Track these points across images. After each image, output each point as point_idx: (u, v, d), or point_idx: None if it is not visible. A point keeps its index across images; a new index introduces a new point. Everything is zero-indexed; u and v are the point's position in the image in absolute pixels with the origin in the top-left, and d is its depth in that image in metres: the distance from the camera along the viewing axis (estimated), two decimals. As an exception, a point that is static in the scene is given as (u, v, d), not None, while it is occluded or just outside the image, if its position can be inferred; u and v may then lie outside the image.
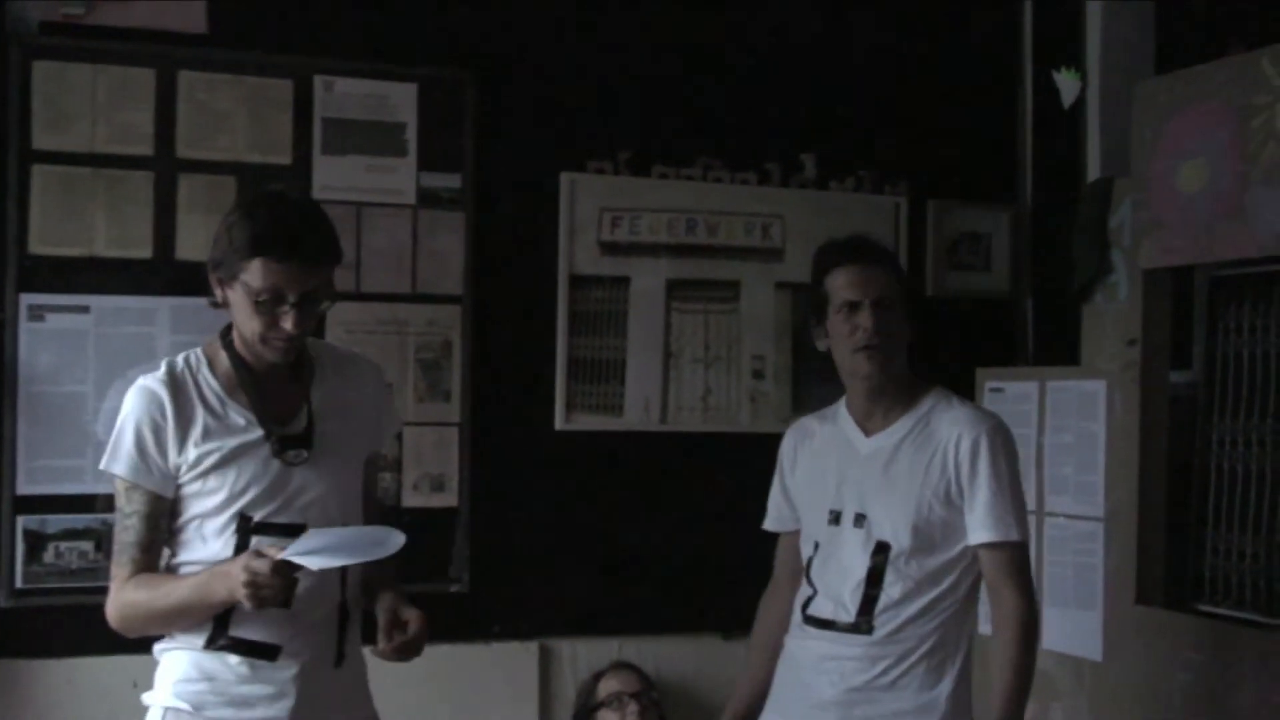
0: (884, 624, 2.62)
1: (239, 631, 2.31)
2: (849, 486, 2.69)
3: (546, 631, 3.69)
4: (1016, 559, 2.61)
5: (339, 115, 3.54)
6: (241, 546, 2.32)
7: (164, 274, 3.39)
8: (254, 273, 2.26)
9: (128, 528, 2.32)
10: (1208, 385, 3.33)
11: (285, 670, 2.33)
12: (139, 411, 2.32)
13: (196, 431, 2.32)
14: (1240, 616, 3.13)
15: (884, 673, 2.62)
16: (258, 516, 2.33)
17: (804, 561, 2.76)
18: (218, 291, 2.35)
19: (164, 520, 2.34)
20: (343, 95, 3.54)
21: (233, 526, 2.33)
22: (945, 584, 2.63)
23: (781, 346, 3.88)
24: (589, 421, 3.75)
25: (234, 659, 2.32)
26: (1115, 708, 3.29)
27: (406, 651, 2.35)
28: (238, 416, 2.35)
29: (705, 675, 3.74)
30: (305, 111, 3.51)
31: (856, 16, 4.00)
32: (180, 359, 2.39)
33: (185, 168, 3.41)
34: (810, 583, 2.73)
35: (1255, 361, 3.23)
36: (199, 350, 2.41)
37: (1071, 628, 3.42)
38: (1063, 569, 3.46)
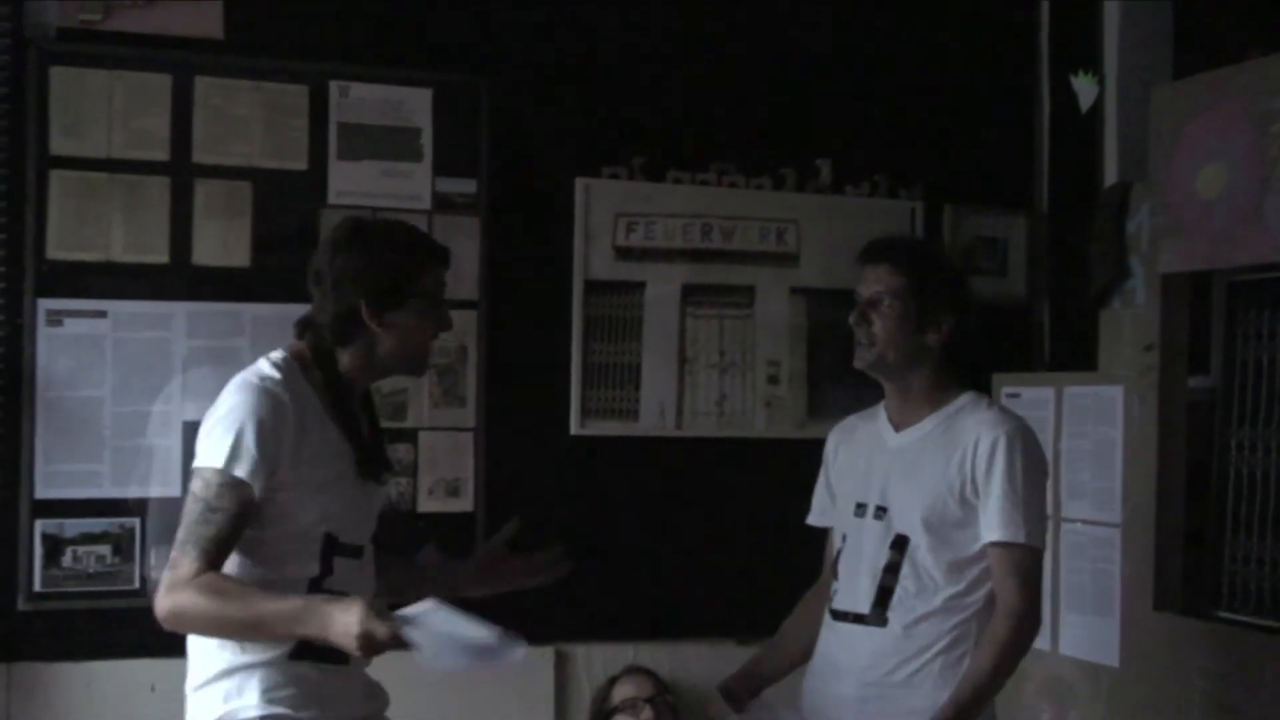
0: (899, 618, 2.64)
1: (319, 642, 2.31)
2: (875, 480, 2.73)
3: (562, 636, 3.69)
4: (1024, 562, 2.61)
5: (354, 120, 3.54)
6: (325, 566, 2.34)
7: (180, 279, 3.40)
8: (434, 279, 2.42)
9: (211, 522, 2.23)
10: (1226, 391, 3.32)
11: (353, 670, 2.40)
12: (263, 412, 2.26)
13: (309, 449, 2.31)
14: (1259, 623, 3.11)
15: (898, 668, 2.63)
16: (341, 538, 2.36)
17: (834, 554, 2.79)
18: (372, 323, 2.36)
19: (245, 522, 2.27)
20: (358, 100, 3.55)
21: (319, 545, 2.34)
22: (963, 583, 2.63)
23: (797, 351, 3.87)
24: (604, 427, 3.74)
25: (314, 665, 2.34)
26: (1133, 715, 3.28)
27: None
28: (335, 436, 2.37)
29: (720, 680, 3.73)
30: (321, 117, 3.52)
31: (872, 21, 3.99)
32: (282, 367, 2.35)
33: (201, 173, 3.42)
34: (837, 575, 2.76)
35: (1274, 367, 3.21)
36: (284, 358, 2.38)
37: (1089, 634, 3.40)
38: (1080, 575, 3.44)
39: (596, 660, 3.70)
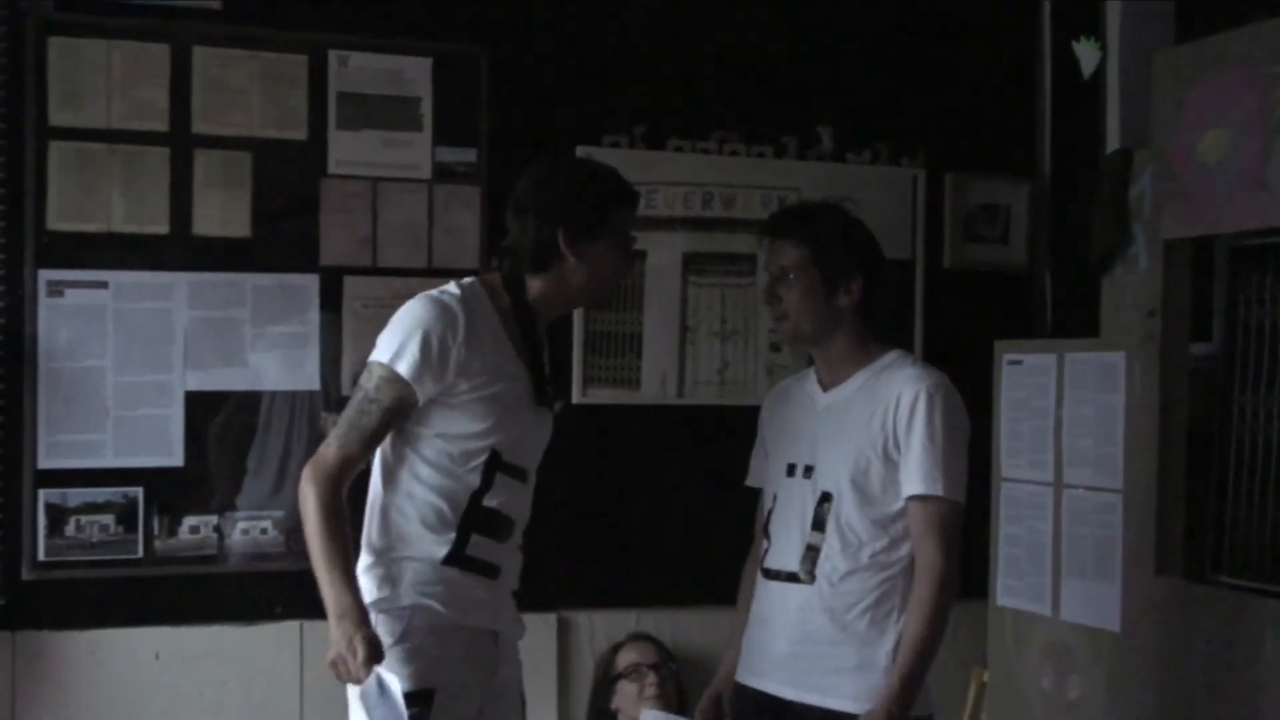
0: (825, 575, 2.69)
1: (473, 552, 2.47)
2: (804, 440, 2.78)
3: (564, 604, 3.71)
4: (942, 515, 2.65)
5: (354, 90, 3.54)
6: (487, 479, 2.48)
7: (181, 249, 3.41)
8: (624, 219, 2.58)
9: (367, 412, 2.41)
10: (1228, 357, 3.31)
11: (503, 587, 2.56)
12: (433, 320, 2.42)
13: (481, 360, 2.44)
14: (1260, 588, 3.12)
15: (826, 625, 2.68)
16: (505, 456, 2.48)
17: (764, 515, 2.85)
18: (567, 252, 2.50)
19: (400, 420, 2.44)
20: (357, 70, 3.54)
21: (484, 458, 2.47)
22: (886, 539, 2.69)
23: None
24: (606, 395, 3.75)
25: (464, 573, 2.47)
26: (1134, 679, 3.28)
27: None
28: (511, 356, 2.50)
29: (722, 647, 3.73)
30: (320, 87, 3.51)
31: (873, -13, 3.98)
32: (465, 288, 2.50)
33: (201, 143, 3.42)
34: (767, 536, 2.81)
35: (1276, 332, 3.20)
36: (474, 283, 2.53)
37: (1090, 599, 3.41)
38: (1082, 541, 3.45)
39: (599, 627, 3.72)
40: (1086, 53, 3.86)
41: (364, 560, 2.50)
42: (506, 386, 2.48)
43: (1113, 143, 3.77)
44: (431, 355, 2.40)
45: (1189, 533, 3.29)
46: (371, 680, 2.30)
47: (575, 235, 2.50)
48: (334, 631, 2.33)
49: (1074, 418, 3.50)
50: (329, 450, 2.41)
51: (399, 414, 2.43)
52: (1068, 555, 3.48)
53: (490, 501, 2.49)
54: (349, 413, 2.43)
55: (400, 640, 2.42)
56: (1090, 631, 3.40)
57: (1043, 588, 3.52)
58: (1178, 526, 3.29)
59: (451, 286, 2.50)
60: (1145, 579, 3.28)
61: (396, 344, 2.41)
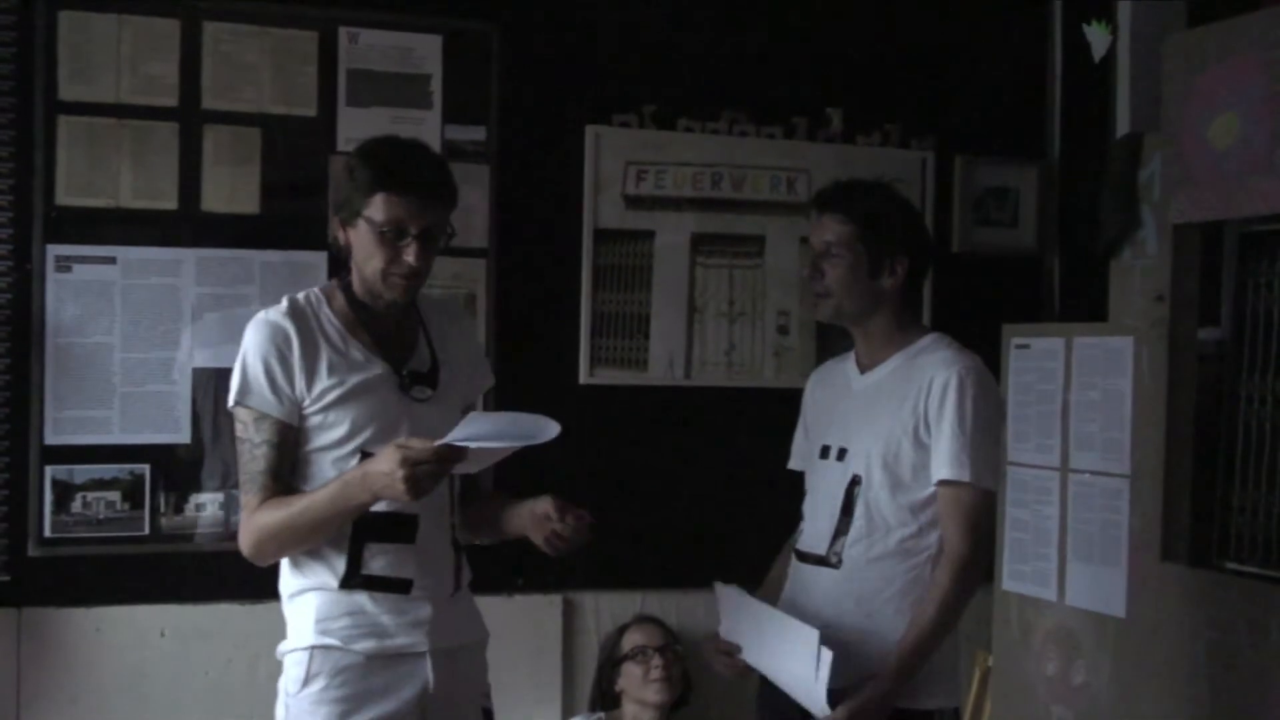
0: (851, 559, 2.67)
1: (371, 570, 2.38)
2: (839, 422, 2.77)
3: (570, 585, 3.71)
4: (969, 502, 2.65)
5: (364, 67, 3.53)
6: None
7: (189, 225, 3.41)
8: (377, 207, 2.37)
9: (257, 456, 2.37)
10: (1236, 342, 3.30)
11: (418, 601, 2.41)
12: (264, 344, 2.38)
13: (322, 365, 2.39)
14: (1266, 574, 3.12)
15: (851, 611, 2.65)
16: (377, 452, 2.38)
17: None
18: (339, 235, 2.44)
19: (291, 448, 2.39)
20: (367, 47, 3.53)
21: (354, 461, 2.37)
22: (915, 526, 2.67)
23: (806, 301, 3.87)
24: (613, 376, 3.75)
25: (368, 595, 2.39)
26: (1139, 664, 3.28)
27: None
28: (359, 353, 2.42)
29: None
30: (330, 63, 3.51)
31: (885, -31, 3.97)
32: (300, 296, 2.46)
33: (210, 119, 3.42)
34: (803, 517, 2.81)
35: (1285, 318, 3.20)
36: (317, 290, 2.49)
37: (1096, 584, 3.40)
38: (1088, 526, 3.44)
39: (604, 609, 3.72)
40: (1097, 36, 3.85)
41: (283, 602, 2.47)
42: (360, 381, 2.40)
43: (1123, 127, 3.77)
44: (275, 376, 2.37)
45: (1196, 518, 3.28)
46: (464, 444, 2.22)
47: (340, 219, 2.44)
48: (385, 490, 2.24)
49: (1081, 402, 3.48)
50: (248, 504, 2.37)
51: (288, 441, 2.38)
52: (1073, 540, 3.47)
53: (379, 505, 2.34)
54: (242, 466, 2.39)
55: (305, 685, 2.36)
56: (1095, 617, 3.40)
57: (1048, 573, 3.51)
58: (1184, 512, 3.28)
59: (281, 303, 2.44)
60: (1151, 565, 3.28)
61: (239, 381, 2.39)
